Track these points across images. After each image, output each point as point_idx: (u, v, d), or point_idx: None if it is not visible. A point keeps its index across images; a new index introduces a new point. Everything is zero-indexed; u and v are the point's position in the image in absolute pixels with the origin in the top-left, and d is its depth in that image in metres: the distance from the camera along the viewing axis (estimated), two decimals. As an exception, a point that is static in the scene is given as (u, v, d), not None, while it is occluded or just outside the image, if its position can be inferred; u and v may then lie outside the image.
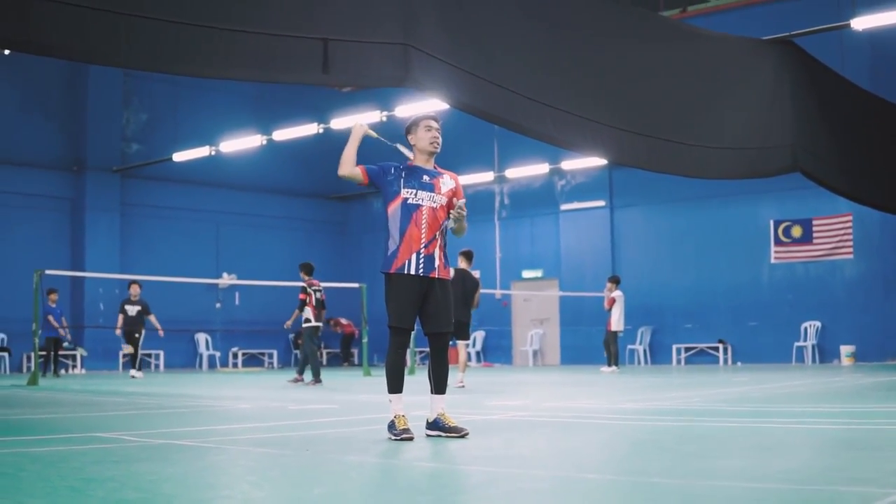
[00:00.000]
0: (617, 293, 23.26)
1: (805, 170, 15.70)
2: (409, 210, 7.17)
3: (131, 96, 31.14)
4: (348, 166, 7.28)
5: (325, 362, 34.77)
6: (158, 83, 30.94)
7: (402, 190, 7.20)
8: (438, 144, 7.38)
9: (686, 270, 29.19)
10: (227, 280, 31.15)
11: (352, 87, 33.25)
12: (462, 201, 7.30)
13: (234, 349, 32.76)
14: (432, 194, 7.25)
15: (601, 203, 31.05)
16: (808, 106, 15.77)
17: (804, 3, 25.18)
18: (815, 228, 26.55)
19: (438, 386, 7.31)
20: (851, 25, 16.94)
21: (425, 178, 7.30)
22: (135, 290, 23.17)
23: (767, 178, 17.16)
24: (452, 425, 7.18)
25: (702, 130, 14.22)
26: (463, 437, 7.08)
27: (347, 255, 36.27)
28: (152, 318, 23.13)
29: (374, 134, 7.53)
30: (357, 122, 7.52)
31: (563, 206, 31.88)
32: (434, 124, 7.39)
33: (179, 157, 29.15)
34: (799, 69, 15.69)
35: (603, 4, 13.29)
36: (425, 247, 7.15)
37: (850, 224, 25.91)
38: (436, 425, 7.23)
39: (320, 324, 18.48)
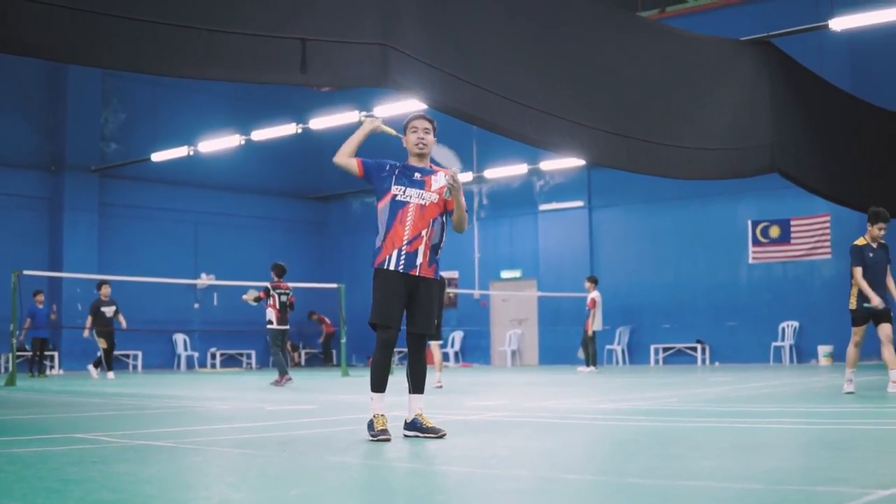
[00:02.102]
0: (595, 294, 23.29)
1: (783, 170, 15.79)
2: (396, 207, 7.17)
3: (110, 96, 31.01)
4: (344, 156, 7.30)
5: (303, 363, 34.72)
6: (137, 83, 30.83)
7: (393, 187, 7.20)
8: (424, 146, 7.32)
9: (664, 270, 29.26)
10: (205, 280, 31.06)
11: (330, 87, 33.17)
12: (453, 169, 7.16)
13: (213, 350, 32.68)
14: (421, 191, 7.21)
15: (580, 203, 31.10)
16: (786, 107, 15.87)
17: (782, 4, 25.29)
18: (793, 229, 26.67)
19: (416, 385, 7.29)
20: (830, 26, 17.00)
21: (417, 175, 7.27)
22: (107, 291, 22.84)
23: (746, 179, 17.25)
24: (430, 426, 7.18)
25: (681, 131, 14.29)
26: (440, 437, 7.08)
27: (326, 255, 36.18)
28: (121, 317, 22.91)
29: (391, 130, 7.45)
30: (370, 119, 7.42)
31: (542, 207, 31.94)
32: (420, 124, 7.32)
33: (158, 156, 29.03)
34: (778, 70, 15.78)
35: (583, 6, 13.33)
36: (408, 244, 7.12)
37: (828, 224, 26.03)
38: (413, 426, 7.22)
39: (284, 327, 18.21)
